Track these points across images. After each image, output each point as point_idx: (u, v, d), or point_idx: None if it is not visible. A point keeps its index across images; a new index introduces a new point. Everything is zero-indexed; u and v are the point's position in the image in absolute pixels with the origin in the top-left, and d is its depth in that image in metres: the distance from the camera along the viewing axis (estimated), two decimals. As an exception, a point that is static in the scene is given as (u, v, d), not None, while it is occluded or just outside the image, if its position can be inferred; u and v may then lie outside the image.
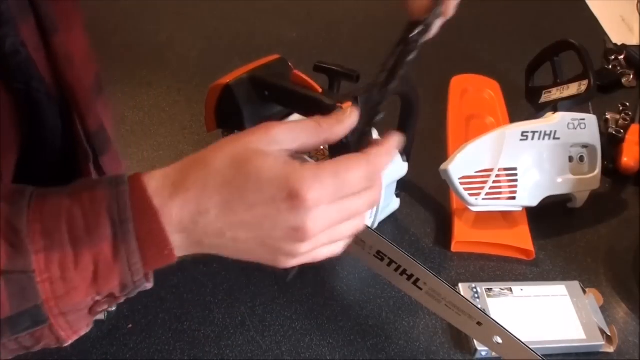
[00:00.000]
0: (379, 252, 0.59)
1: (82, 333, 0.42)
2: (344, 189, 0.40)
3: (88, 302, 0.40)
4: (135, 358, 0.60)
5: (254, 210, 0.39)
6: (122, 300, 0.42)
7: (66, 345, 0.41)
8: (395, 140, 0.45)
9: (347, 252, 0.69)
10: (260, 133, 0.41)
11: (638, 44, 1.05)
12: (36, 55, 0.45)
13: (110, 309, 0.63)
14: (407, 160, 0.71)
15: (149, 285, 0.43)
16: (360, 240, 0.61)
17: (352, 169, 0.40)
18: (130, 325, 0.63)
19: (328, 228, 0.41)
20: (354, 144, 0.46)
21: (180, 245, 0.40)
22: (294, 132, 0.42)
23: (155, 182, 0.40)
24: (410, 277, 0.58)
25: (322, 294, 0.67)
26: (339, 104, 0.60)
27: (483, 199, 0.71)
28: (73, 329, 0.40)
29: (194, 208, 0.39)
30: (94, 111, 0.53)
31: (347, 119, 0.44)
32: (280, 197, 0.38)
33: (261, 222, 0.39)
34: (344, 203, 0.41)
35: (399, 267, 0.58)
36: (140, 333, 0.62)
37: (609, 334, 0.63)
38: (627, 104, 0.88)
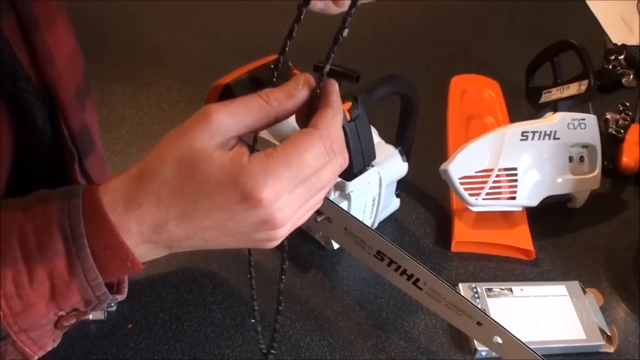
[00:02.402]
0: (379, 252, 0.59)
1: (49, 348, 0.41)
2: (301, 174, 0.38)
3: (51, 318, 0.39)
4: (135, 358, 0.60)
5: (211, 215, 0.38)
6: (89, 314, 0.42)
7: None
8: (334, 90, 0.42)
9: (347, 252, 0.70)
10: (201, 126, 0.38)
11: (638, 44, 1.05)
12: (20, 54, 0.44)
13: (110, 308, 0.63)
14: (407, 160, 0.71)
15: (120, 297, 0.43)
16: (360, 240, 0.61)
17: (305, 152, 0.38)
18: (130, 325, 0.63)
19: (298, 209, 0.39)
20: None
21: (147, 254, 0.40)
22: (239, 115, 0.38)
23: (108, 197, 0.38)
24: (410, 277, 0.58)
25: (322, 294, 0.67)
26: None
27: (483, 199, 0.71)
28: (38, 344, 0.40)
29: (151, 222, 0.38)
30: (78, 112, 0.52)
31: (299, 93, 0.40)
32: (234, 201, 0.37)
33: (223, 224, 0.38)
34: (305, 184, 0.38)
35: (399, 267, 0.58)
36: (140, 333, 0.62)
37: (609, 334, 0.63)
38: (627, 104, 0.88)
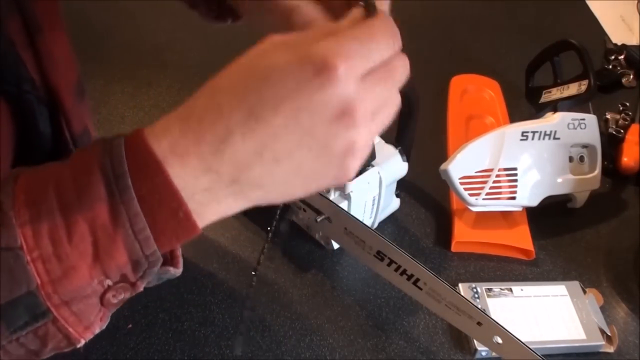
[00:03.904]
0: (379, 252, 0.59)
1: (97, 329, 0.36)
2: (372, 55, 0.33)
3: (95, 288, 0.33)
4: (135, 358, 0.60)
5: (281, 106, 0.31)
6: (140, 287, 0.36)
7: (80, 345, 0.35)
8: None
9: (347, 252, 0.70)
10: (263, 41, 0.34)
11: (638, 44, 1.05)
12: (24, 56, 0.44)
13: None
14: (407, 160, 0.71)
15: (174, 270, 0.38)
16: (360, 240, 0.61)
17: (377, 32, 0.34)
18: (130, 325, 0.63)
19: (376, 104, 0.34)
20: None
21: (205, 200, 0.33)
22: (299, 32, 0.34)
23: (159, 126, 0.33)
24: (410, 277, 0.58)
25: (322, 294, 0.67)
26: None
27: (483, 199, 0.71)
28: (83, 322, 0.34)
29: (212, 137, 0.32)
30: (79, 114, 0.52)
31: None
32: (306, 77, 0.31)
33: (296, 118, 0.32)
34: (379, 71, 0.33)
35: (399, 267, 0.58)
36: (140, 333, 0.62)
37: (609, 334, 0.63)
38: (627, 104, 0.88)
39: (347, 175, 0.35)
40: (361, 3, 0.35)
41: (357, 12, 0.35)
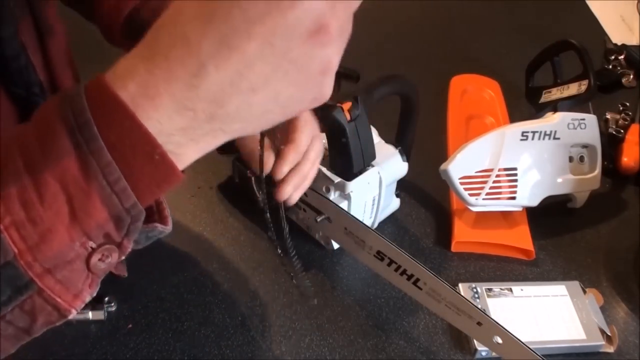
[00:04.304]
0: (379, 252, 0.59)
1: (87, 297, 0.33)
2: None
3: (78, 251, 0.31)
4: (135, 358, 0.60)
5: (253, 31, 0.29)
6: (128, 248, 0.33)
7: (71, 316, 0.33)
8: None
9: (347, 252, 0.70)
10: None
11: (638, 44, 1.05)
12: (34, 58, 0.45)
13: (110, 308, 0.63)
14: (407, 160, 0.71)
15: (163, 227, 0.35)
16: (360, 240, 0.61)
17: None
18: (130, 325, 0.63)
19: (347, 19, 0.31)
20: None
21: (183, 140, 0.31)
22: None
23: (121, 67, 0.30)
24: (410, 277, 0.58)
25: (322, 294, 0.67)
26: (338, 104, 0.60)
27: (483, 199, 0.71)
28: (71, 290, 0.32)
29: (183, 73, 0.29)
30: None
31: None
32: None
33: (270, 41, 0.29)
34: None
35: (399, 267, 0.58)
36: (140, 333, 0.62)
37: (609, 334, 0.63)
38: (627, 104, 0.88)
39: (325, 96, 0.33)
40: None
41: None
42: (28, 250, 0.30)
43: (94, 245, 0.31)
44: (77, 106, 0.29)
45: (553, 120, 0.74)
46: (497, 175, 0.71)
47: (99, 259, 0.32)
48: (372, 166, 0.66)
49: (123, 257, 0.34)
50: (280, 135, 0.51)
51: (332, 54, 0.31)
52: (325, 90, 0.33)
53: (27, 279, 0.30)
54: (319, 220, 0.65)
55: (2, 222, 0.29)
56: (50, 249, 0.30)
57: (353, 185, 0.64)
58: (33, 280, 0.30)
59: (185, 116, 0.30)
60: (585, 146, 0.77)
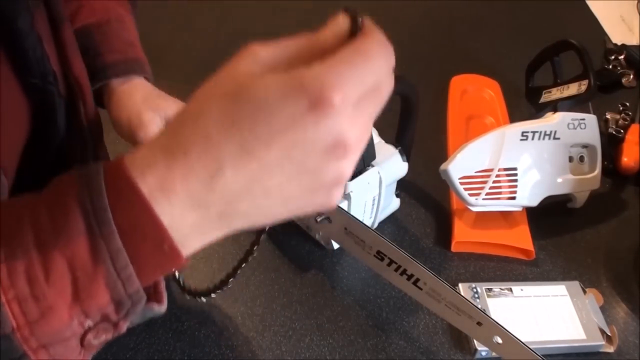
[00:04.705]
0: (379, 252, 0.59)
1: None
2: (365, 80, 0.31)
3: (75, 329, 0.31)
4: (135, 358, 0.60)
5: (275, 142, 0.30)
6: (123, 328, 0.34)
7: None
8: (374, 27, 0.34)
9: (347, 252, 0.70)
10: (241, 55, 0.32)
11: (638, 44, 1.05)
12: (48, 48, 0.45)
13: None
14: (407, 160, 0.71)
15: (158, 307, 0.36)
16: (360, 240, 0.61)
17: (373, 55, 0.31)
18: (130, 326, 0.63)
19: (364, 127, 0.32)
20: None
21: (192, 232, 0.32)
22: (281, 44, 0.32)
23: (141, 157, 0.31)
24: (410, 277, 0.58)
25: (322, 294, 0.67)
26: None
27: (483, 199, 0.71)
28: None
29: (202, 171, 0.30)
30: (91, 100, 0.53)
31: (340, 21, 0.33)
32: (300, 111, 0.29)
33: (289, 153, 0.30)
34: (369, 96, 0.32)
35: (399, 267, 0.58)
36: (140, 333, 0.62)
37: (609, 334, 0.63)
38: (627, 104, 0.88)
39: (332, 204, 0.34)
40: (346, 14, 0.33)
41: (342, 23, 0.33)
42: (27, 325, 0.30)
43: (91, 325, 0.32)
44: (95, 189, 0.30)
45: (553, 120, 0.74)
46: (497, 175, 0.71)
47: (94, 337, 0.33)
48: (372, 166, 0.66)
49: (117, 335, 0.34)
50: None
51: (346, 167, 0.32)
52: (333, 199, 0.34)
53: (21, 352, 0.30)
54: (319, 220, 0.65)
55: (5, 295, 0.29)
56: (49, 325, 0.30)
57: (353, 185, 0.64)
58: (27, 354, 0.30)
59: (197, 213, 0.31)
60: (585, 146, 0.77)
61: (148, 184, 0.30)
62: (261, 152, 0.30)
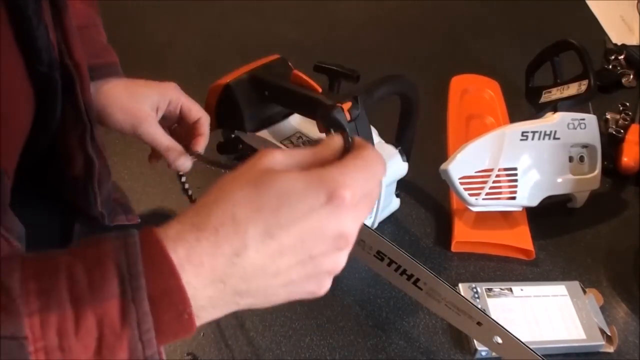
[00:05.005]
0: (379, 252, 0.59)
1: None
2: (368, 184, 0.37)
3: None
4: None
5: (294, 228, 0.34)
6: None
7: None
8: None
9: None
10: (265, 156, 0.36)
11: (638, 44, 1.05)
12: (52, 35, 0.46)
13: None
14: (407, 160, 0.71)
15: None
16: (360, 240, 0.61)
17: (374, 164, 0.37)
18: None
19: (358, 228, 0.37)
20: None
21: (207, 304, 0.35)
22: (290, 151, 0.38)
23: (173, 230, 0.34)
24: (410, 277, 0.58)
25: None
26: (338, 104, 0.60)
27: (483, 199, 0.71)
28: None
29: (229, 249, 0.33)
30: (89, 85, 0.54)
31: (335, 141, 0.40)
32: (318, 204, 0.34)
33: (304, 239, 0.35)
34: (368, 197, 0.37)
35: (399, 267, 0.58)
36: (140, 333, 0.62)
37: (609, 334, 0.63)
38: (627, 104, 0.88)
39: (320, 293, 0.38)
40: (338, 134, 0.40)
41: (337, 140, 0.39)
42: None
43: None
44: (132, 256, 0.33)
45: (553, 120, 0.74)
46: (497, 175, 0.71)
47: None
48: (372, 166, 0.66)
49: None
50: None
51: (342, 258, 0.37)
52: (323, 289, 0.38)
53: None
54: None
55: (35, 345, 0.30)
56: None
57: (353, 185, 0.64)
58: None
59: (216, 287, 0.34)
60: (585, 146, 0.77)
61: (179, 256, 0.33)
62: (282, 236, 0.34)
